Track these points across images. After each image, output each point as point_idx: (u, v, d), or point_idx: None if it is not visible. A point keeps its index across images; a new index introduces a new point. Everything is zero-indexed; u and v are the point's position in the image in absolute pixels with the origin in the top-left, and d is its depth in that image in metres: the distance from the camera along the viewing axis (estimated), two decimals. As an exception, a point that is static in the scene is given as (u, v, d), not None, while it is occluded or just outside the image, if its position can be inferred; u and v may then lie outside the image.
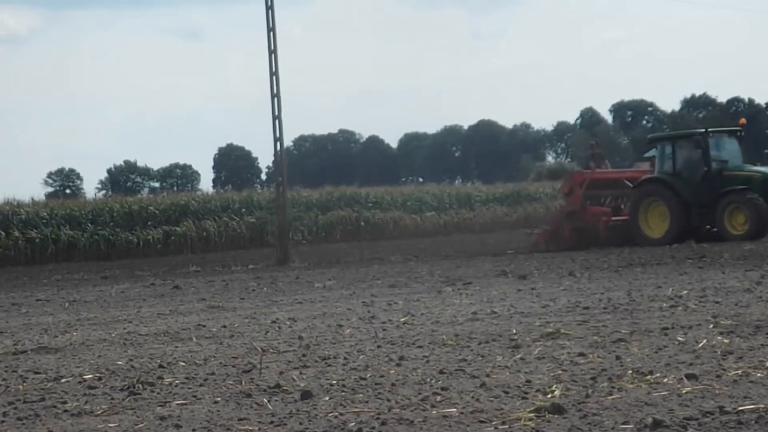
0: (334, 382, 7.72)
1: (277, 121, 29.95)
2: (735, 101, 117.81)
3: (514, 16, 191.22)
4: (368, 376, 7.94)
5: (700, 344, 8.65)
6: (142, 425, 6.60)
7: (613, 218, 28.28)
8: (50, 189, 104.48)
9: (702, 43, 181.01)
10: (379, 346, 9.60)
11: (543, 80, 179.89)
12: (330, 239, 46.13)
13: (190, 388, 7.84)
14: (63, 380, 8.56)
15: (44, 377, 8.79)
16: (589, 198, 28.88)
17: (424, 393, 7.09)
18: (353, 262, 27.11)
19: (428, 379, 7.64)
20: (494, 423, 6.13)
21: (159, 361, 9.34)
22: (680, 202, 26.73)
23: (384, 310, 13.13)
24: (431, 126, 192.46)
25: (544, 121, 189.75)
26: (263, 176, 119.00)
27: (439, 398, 6.89)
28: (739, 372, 7.31)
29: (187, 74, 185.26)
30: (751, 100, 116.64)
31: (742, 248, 22.00)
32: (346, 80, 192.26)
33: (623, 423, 5.96)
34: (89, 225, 41.63)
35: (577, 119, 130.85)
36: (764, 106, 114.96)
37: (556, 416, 6.17)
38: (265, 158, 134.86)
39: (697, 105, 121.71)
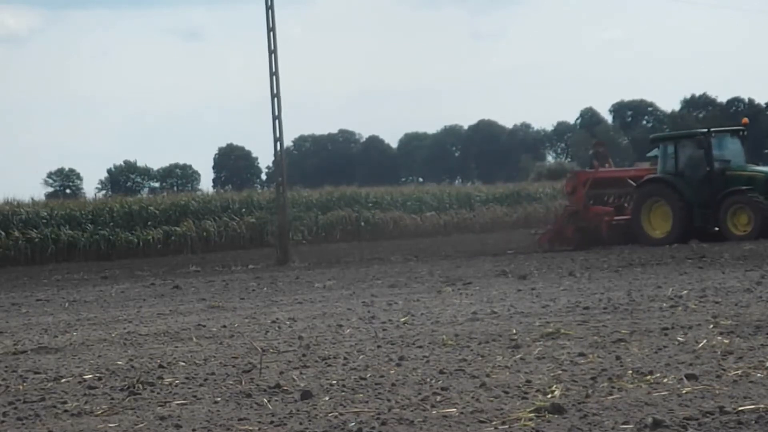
0: (334, 382, 7.72)
1: (277, 121, 29.93)
2: (735, 101, 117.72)
3: (514, 16, 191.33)
4: (368, 376, 7.94)
5: (700, 344, 8.64)
6: (142, 425, 6.60)
7: (616, 218, 28.22)
8: (50, 189, 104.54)
9: (702, 43, 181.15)
10: (379, 346, 9.60)
11: (543, 80, 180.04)
12: (330, 239, 46.09)
13: (190, 388, 7.84)
14: (63, 380, 8.56)
15: (44, 377, 8.79)
16: (593, 197, 28.80)
17: (424, 393, 7.09)
18: (353, 262, 27.09)
19: (428, 379, 7.64)
20: (494, 423, 6.14)
21: (159, 361, 9.34)
22: (683, 202, 26.68)
23: (384, 310, 13.13)
24: (431, 126, 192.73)
25: (544, 121, 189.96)
26: (263, 176, 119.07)
27: (439, 398, 6.89)
28: (739, 372, 7.31)
29: (187, 74, 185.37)
30: (751, 100, 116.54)
31: (742, 248, 21.98)
32: (346, 80, 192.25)
33: (623, 423, 5.96)
34: (89, 225, 41.57)
35: (577, 119, 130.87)
36: (764, 106, 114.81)
37: (556, 416, 6.17)
38: (265, 158, 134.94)
39: (697, 105, 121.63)
